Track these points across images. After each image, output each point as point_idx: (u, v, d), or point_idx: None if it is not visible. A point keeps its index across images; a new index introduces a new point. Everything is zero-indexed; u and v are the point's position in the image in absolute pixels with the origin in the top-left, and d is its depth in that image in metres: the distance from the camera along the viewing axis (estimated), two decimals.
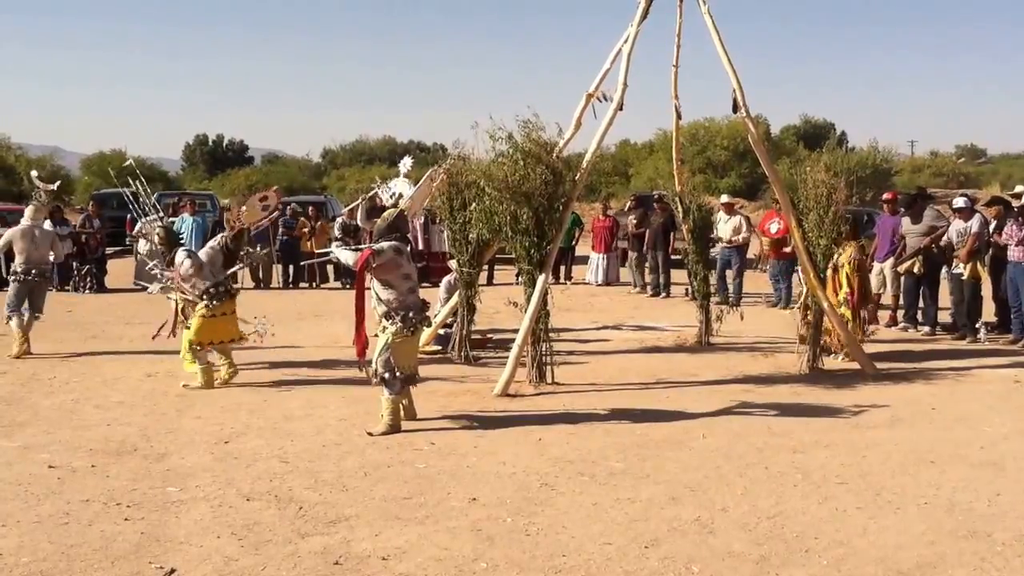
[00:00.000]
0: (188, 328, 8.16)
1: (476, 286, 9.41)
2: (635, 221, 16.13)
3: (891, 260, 11.56)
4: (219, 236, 8.83)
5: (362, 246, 7.03)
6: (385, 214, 6.96)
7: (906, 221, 11.31)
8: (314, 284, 16.60)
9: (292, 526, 4.75)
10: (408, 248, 6.86)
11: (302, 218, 17.33)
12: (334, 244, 7.59)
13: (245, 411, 7.17)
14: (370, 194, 9.68)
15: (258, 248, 13.48)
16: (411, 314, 6.58)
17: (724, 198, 14.64)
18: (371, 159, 50.39)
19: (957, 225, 10.72)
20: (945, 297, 11.22)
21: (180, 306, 8.56)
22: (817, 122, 50.08)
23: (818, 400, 7.61)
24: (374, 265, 6.51)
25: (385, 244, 6.60)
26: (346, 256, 6.92)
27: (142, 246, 15.94)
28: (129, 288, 15.80)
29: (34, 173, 11.02)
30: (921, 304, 11.37)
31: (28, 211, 10.01)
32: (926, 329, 11.11)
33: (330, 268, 16.52)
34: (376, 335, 6.72)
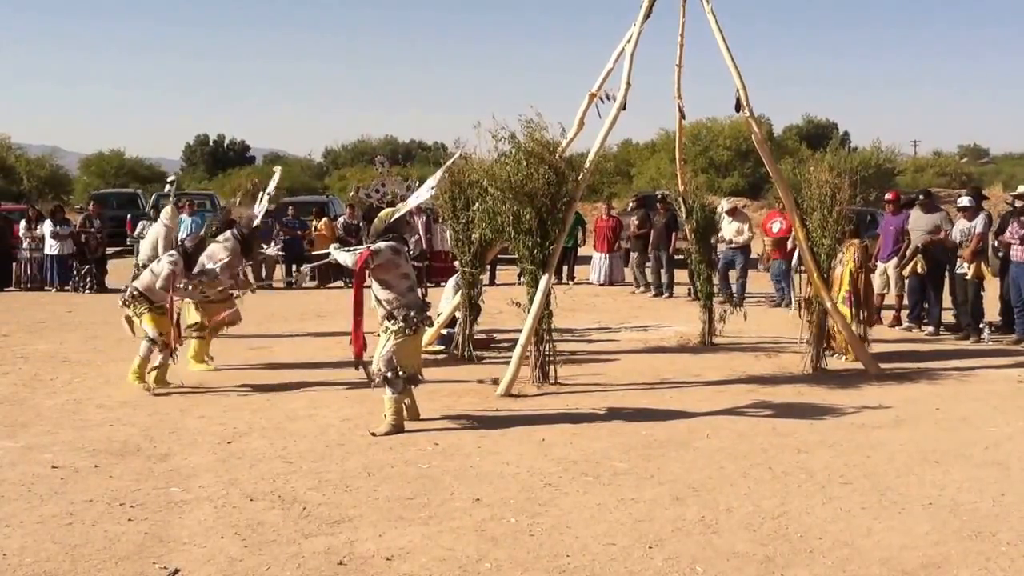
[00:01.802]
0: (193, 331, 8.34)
1: (479, 286, 9.40)
2: (637, 221, 16.13)
3: (894, 260, 11.55)
4: (231, 231, 8.79)
5: (360, 247, 7.01)
6: (381, 214, 6.95)
7: (916, 215, 11.27)
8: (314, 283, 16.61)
9: (296, 526, 4.74)
10: (407, 247, 6.84)
11: (315, 220, 17.45)
12: (332, 245, 7.57)
13: (248, 411, 7.17)
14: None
15: (270, 245, 13.66)
16: (412, 313, 6.57)
17: (725, 205, 14.08)
18: (372, 159, 50.35)
19: (961, 224, 10.70)
20: (949, 297, 11.19)
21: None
22: (820, 122, 50.07)
23: (822, 400, 7.60)
24: (372, 266, 6.52)
25: (383, 244, 6.59)
26: (344, 258, 6.91)
27: (142, 247, 16.05)
28: None
29: (171, 178, 11.52)
30: (925, 304, 11.34)
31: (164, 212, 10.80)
32: (930, 329, 11.08)
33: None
34: (378, 335, 6.72)
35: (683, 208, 10.43)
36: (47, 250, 15.83)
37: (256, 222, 8.90)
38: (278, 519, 4.85)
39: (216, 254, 8.46)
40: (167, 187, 10.55)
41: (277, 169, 9.89)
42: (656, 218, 15.52)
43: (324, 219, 17.67)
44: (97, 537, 4.58)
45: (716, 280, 11.72)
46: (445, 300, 9.99)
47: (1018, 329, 10.23)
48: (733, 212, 14.13)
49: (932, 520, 4.87)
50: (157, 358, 7.87)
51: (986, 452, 6.14)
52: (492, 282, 15.86)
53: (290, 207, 18.32)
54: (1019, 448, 6.24)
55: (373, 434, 6.44)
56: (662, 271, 15.27)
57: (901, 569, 4.25)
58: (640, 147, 44.35)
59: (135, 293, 7.94)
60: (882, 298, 11.85)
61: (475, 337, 9.50)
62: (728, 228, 13.76)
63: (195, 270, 8.06)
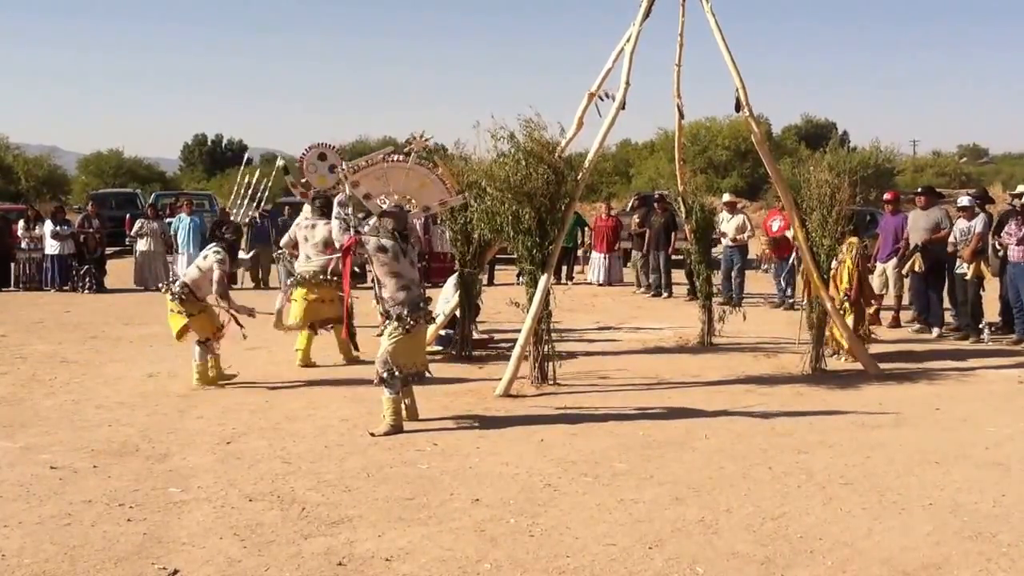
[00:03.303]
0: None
1: (478, 286, 9.39)
2: (638, 221, 16.13)
3: (893, 260, 11.54)
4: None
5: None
6: (383, 211, 6.97)
7: (916, 213, 11.24)
8: None
9: (295, 527, 4.73)
10: (401, 248, 6.72)
11: None
12: (335, 220, 7.19)
13: (247, 411, 7.15)
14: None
15: (251, 253, 13.76)
16: (405, 312, 6.56)
17: (726, 197, 14.75)
18: None
19: (960, 224, 10.69)
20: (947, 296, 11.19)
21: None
22: (819, 121, 50.17)
23: (821, 400, 7.59)
24: (353, 254, 6.60)
25: (372, 240, 6.61)
26: (336, 232, 6.92)
27: (141, 245, 16.03)
28: (128, 288, 15.80)
29: (284, 166, 11.33)
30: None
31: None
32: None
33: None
34: (377, 335, 6.72)
35: (682, 208, 10.42)
36: (47, 250, 15.79)
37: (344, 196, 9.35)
38: (277, 520, 4.84)
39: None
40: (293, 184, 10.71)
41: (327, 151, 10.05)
42: (655, 218, 15.55)
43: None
44: (96, 538, 4.57)
45: (717, 280, 11.72)
46: (444, 300, 9.98)
47: (1018, 329, 10.23)
48: (732, 208, 14.17)
49: (932, 521, 4.86)
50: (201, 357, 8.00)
51: (987, 453, 6.13)
52: (490, 282, 15.85)
53: (286, 207, 18.23)
54: (1019, 448, 6.23)
55: (372, 434, 6.43)
56: (660, 271, 15.29)
57: (901, 570, 4.24)
58: (639, 147, 44.42)
59: (184, 290, 7.90)
60: (881, 298, 11.85)
61: (474, 337, 9.49)
62: (729, 225, 13.77)
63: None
